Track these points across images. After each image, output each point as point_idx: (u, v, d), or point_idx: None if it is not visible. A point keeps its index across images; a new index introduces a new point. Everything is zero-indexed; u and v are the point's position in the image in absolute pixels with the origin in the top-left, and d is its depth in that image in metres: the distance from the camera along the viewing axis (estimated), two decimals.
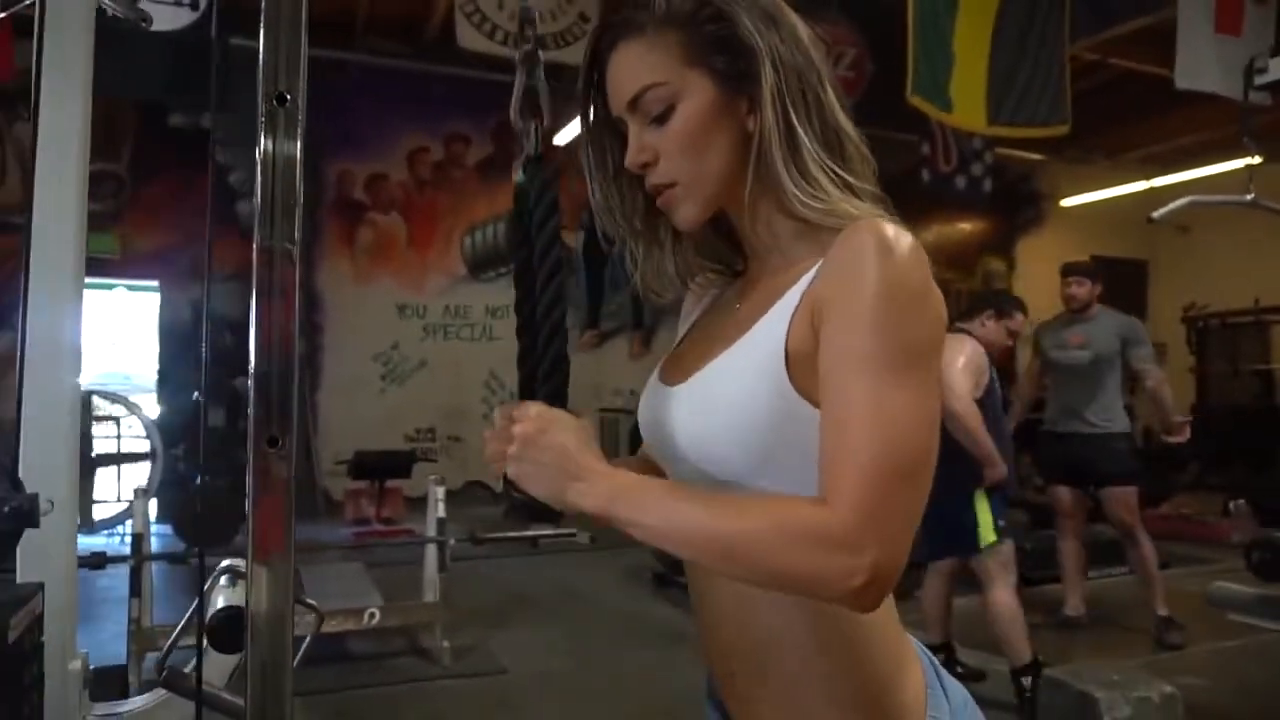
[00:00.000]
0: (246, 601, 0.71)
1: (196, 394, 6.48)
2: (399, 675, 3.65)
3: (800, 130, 0.80)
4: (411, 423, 7.74)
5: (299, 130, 0.75)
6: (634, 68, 0.82)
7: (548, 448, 0.74)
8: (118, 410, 6.44)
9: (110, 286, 7.24)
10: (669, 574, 5.01)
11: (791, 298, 0.78)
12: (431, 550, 3.86)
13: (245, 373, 0.71)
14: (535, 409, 0.77)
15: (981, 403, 3.20)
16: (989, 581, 3.15)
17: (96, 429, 6.35)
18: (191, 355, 6.81)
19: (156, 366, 7.19)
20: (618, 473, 0.74)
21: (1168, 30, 4.62)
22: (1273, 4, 4.75)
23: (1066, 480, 4.20)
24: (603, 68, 0.86)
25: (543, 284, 0.94)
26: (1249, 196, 3.32)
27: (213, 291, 7.14)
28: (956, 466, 3.07)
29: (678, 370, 0.89)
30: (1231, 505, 6.06)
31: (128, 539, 4.37)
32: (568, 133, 7.61)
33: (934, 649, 3.34)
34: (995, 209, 9.10)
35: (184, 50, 4.82)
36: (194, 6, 4.67)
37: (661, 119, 0.82)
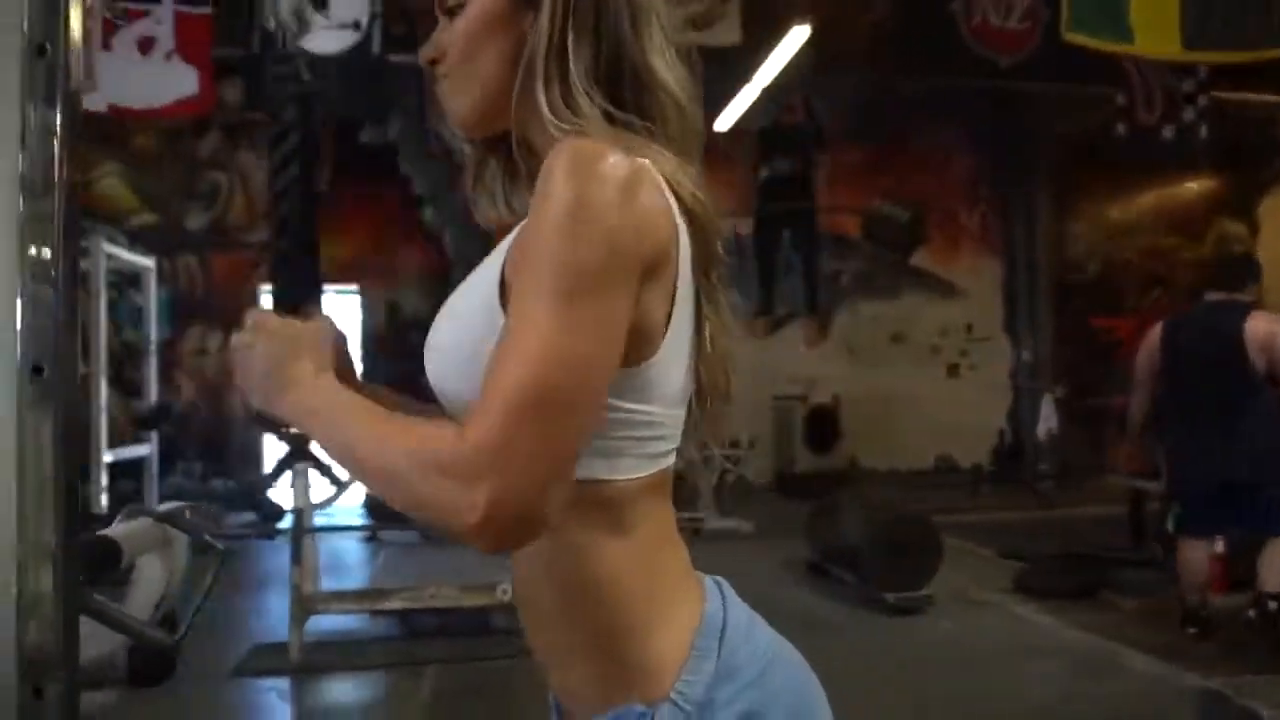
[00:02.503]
0: None
1: None
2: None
3: (572, 53, 0.74)
4: None
5: (60, 88, 0.72)
6: None
7: (262, 357, 0.75)
8: None
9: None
10: (822, 564, 4.84)
11: (519, 227, 0.74)
12: None
13: None
14: (260, 317, 0.78)
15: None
16: None
17: None
18: (386, 352, 7.47)
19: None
20: (320, 389, 0.73)
21: None
22: None
23: None
24: None
25: None
26: None
27: (406, 292, 7.85)
28: None
29: None
30: None
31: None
32: None
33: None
34: (1227, 163, 7.92)
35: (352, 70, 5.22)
36: (356, 28, 5.04)
37: (453, 15, 0.81)
